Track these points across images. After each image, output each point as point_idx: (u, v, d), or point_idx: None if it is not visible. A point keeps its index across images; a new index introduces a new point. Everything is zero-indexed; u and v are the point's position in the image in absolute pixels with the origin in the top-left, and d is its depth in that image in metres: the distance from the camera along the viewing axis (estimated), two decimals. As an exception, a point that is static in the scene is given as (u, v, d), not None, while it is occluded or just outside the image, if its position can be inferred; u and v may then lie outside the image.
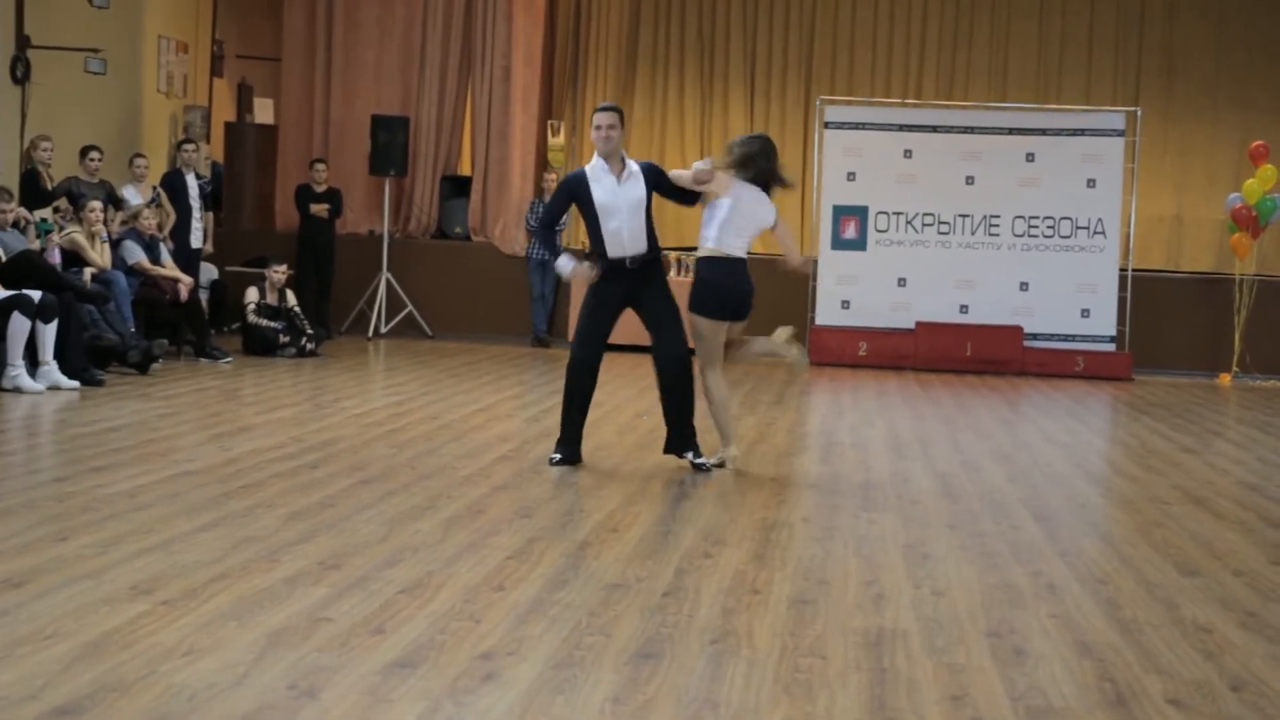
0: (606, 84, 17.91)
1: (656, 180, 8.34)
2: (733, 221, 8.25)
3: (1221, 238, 16.66)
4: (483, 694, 4.09)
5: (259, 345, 13.37)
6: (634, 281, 8.23)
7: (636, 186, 8.18)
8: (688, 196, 8.55)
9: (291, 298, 13.87)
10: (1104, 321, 15.76)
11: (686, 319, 8.30)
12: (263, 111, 17.73)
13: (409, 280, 16.43)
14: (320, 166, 15.90)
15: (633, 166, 8.27)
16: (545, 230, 8.82)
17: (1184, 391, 14.36)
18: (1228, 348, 15.84)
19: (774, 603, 5.25)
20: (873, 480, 8.16)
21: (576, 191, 8.23)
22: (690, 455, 8.18)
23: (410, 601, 5.02)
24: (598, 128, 8.19)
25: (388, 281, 16.22)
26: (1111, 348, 15.70)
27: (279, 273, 13.75)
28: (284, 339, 13.40)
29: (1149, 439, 10.60)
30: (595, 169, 8.21)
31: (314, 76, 17.17)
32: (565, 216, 8.96)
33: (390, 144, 16.22)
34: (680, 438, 8.22)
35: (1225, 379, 15.63)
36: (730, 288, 8.23)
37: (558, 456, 8.13)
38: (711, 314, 8.21)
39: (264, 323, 13.43)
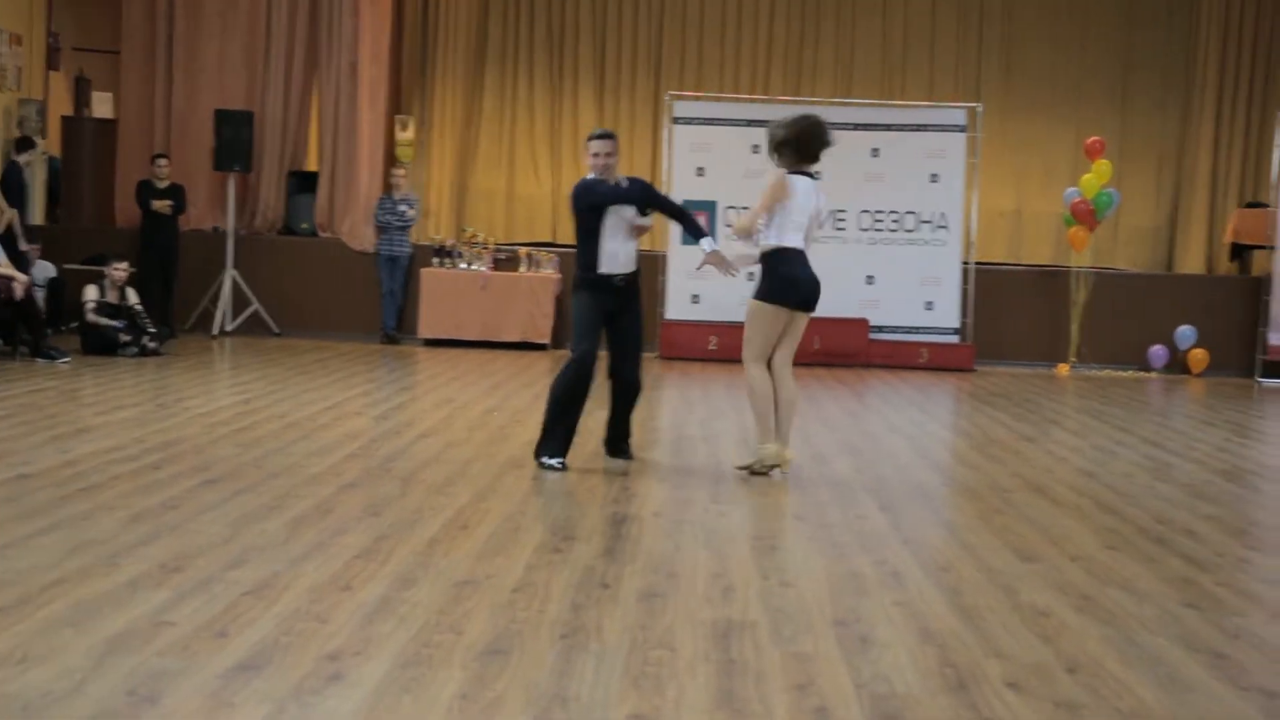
0: (455, 80, 17.81)
1: (646, 197, 8.35)
2: (790, 218, 8.25)
3: (1059, 231, 17.09)
4: (329, 695, 4.05)
5: (99, 344, 13.05)
6: (617, 299, 8.20)
7: (631, 208, 8.20)
8: (678, 215, 8.66)
9: (133, 296, 13.56)
10: (947, 314, 16.07)
11: (748, 310, 8.25)
12: (101, 105, 17.32)
13: (255, 277, 16.17)
14: (162, 162, 15.57)
15: (623, 184, 8.24)
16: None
17: (1024, 381, 14.70)
18: (1066, 338, 16.26)
19: (623, 597, 5.27)
20: (722, 473, 8.22)
21: (600, 200, 8.14)
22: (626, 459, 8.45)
23: (255, 603, 4.94)
24: (595, 155, 8.18)
25: (233, 279, 15.95)
26: (955, 339, 16.02)
27: (120, 270, 13.44)
28: (125, 338, 13.10)
29: (990, 428, 10.84)
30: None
31: (155, 70, 16.78)
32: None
33: (235, 139, 15.94)
34: (621, 442, 8.49)
35: (1063, 369, 16.03)
36: (801, 278, 8.25)
37: (560, 461, 8.04)
38: (779, 300, 8.17)
39: (104, 321, 13.12)
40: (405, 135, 17.12)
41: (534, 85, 17.96)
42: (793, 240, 8.24)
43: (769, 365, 8.23)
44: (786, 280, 8.16)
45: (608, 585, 5.42)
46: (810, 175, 8.34)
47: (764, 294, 8.17)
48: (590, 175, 8.23)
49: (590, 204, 8.14)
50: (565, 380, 8.13)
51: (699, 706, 4.09)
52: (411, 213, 16.20)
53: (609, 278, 8.15)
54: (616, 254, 8.16)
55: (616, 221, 8.13)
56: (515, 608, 5.03)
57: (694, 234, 8.46)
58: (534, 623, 4.85)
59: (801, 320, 8.28)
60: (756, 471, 8.10)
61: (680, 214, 8.68)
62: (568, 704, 4.06)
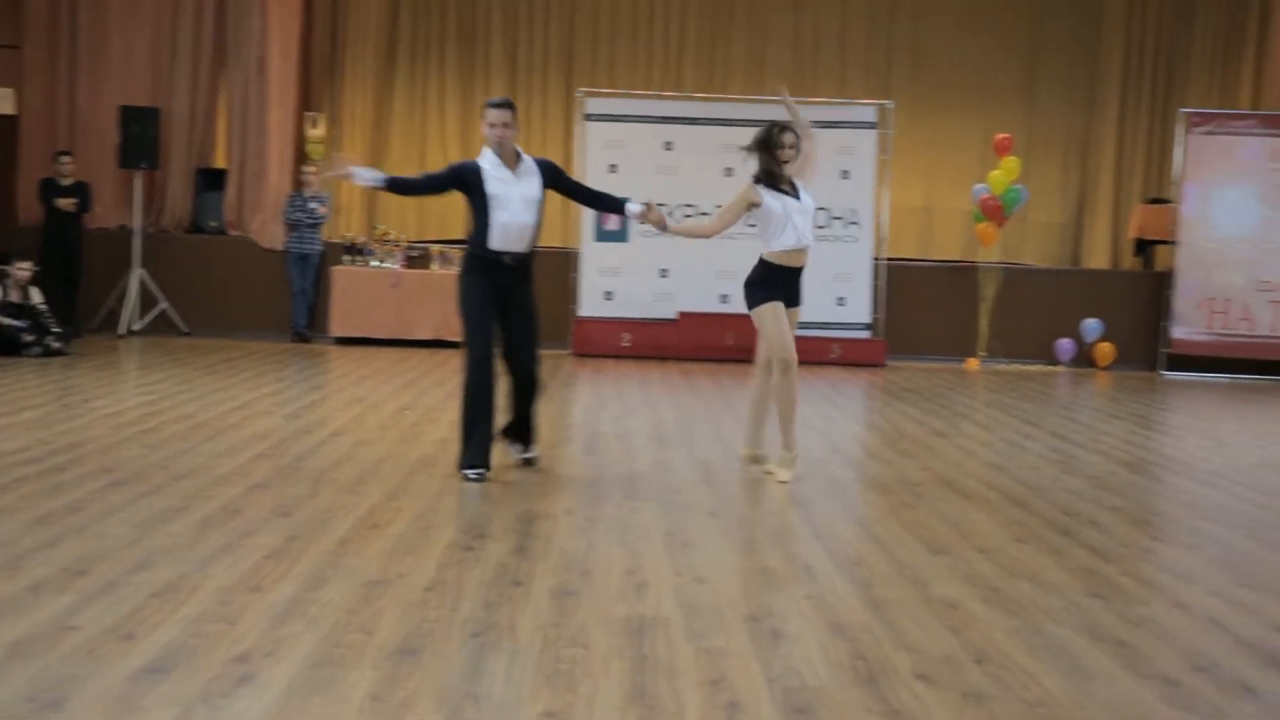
0: (366, 76, 17.71)
1: (554, 178, 8.02)
2: (771, 225, 8.44)
3: (969, 227, 17.27)
4: (238, 697, 4.01)
5: (1, 345, 12.82)
6: (507, 279, 7.81)
7: (533, 183, 7.84)
8: (592, 198, 8.40)
9: (37, 295, 13.34)
10: (859, 309, 16.19)
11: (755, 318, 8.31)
12: (2, 102, 16.99)
13: (163, 276, 15.96)
14: (65, 159, 15.31)
15: (529, 162, 7.90)
16: (412, 182, 8.26)
17: (935, 376, 14.84)
18: (975, 333, 16.43)
19: (536, 594, 5.26)
20: (636, 470, 8.23)
21: (467, 178, 7.76)
22: (521, 451, 8.21)
23: (162, 605, 4.88)
24: (491, 125, 7.73)
25: (140, 277, 15.74)
26: (867, 335, 16.14)
27: (22, 270, 13.22)
28: (29, 338, 12.89)
29: (901, 423, 10.93)
30: (490, 161, 7.79)
31: (58, 66, 16.50)
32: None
33: (140, 136, 15.72)
34: (521, 432, 8.19)
35: (973, 363, 16.21)
36: (780, 274, 8.40)
37: (479, 472, 7.67)
38: (763, 299, 8.34)
39: (7, 321, 12.89)
40: (315, 132, 16.97)
41: (445, 82, 17.90)
42: (781, 245, 8.54)
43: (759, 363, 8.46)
44: (761, 284, 8.60)
45: (520, 583, 5.41)
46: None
47: (749, 302, 8.50)
48: (478, 159, 7.84)
49: (452, 178, 7.86)
50: (467, 385, 7.76)
51: (612, 703, 4.09)
52: (322, 210, 16.06)
53: (499, 255, 7.73)
54: (509, 226, 7.72)
55: (500, 192, 7.72)
56: (427, 607, 5.01)
57: (614, 207, 8.24)
58: (446, 621, 4.83)
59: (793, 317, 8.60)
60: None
61: (592, 196, 8.49)
62: (480, 702, 4.05)
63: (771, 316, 8.20)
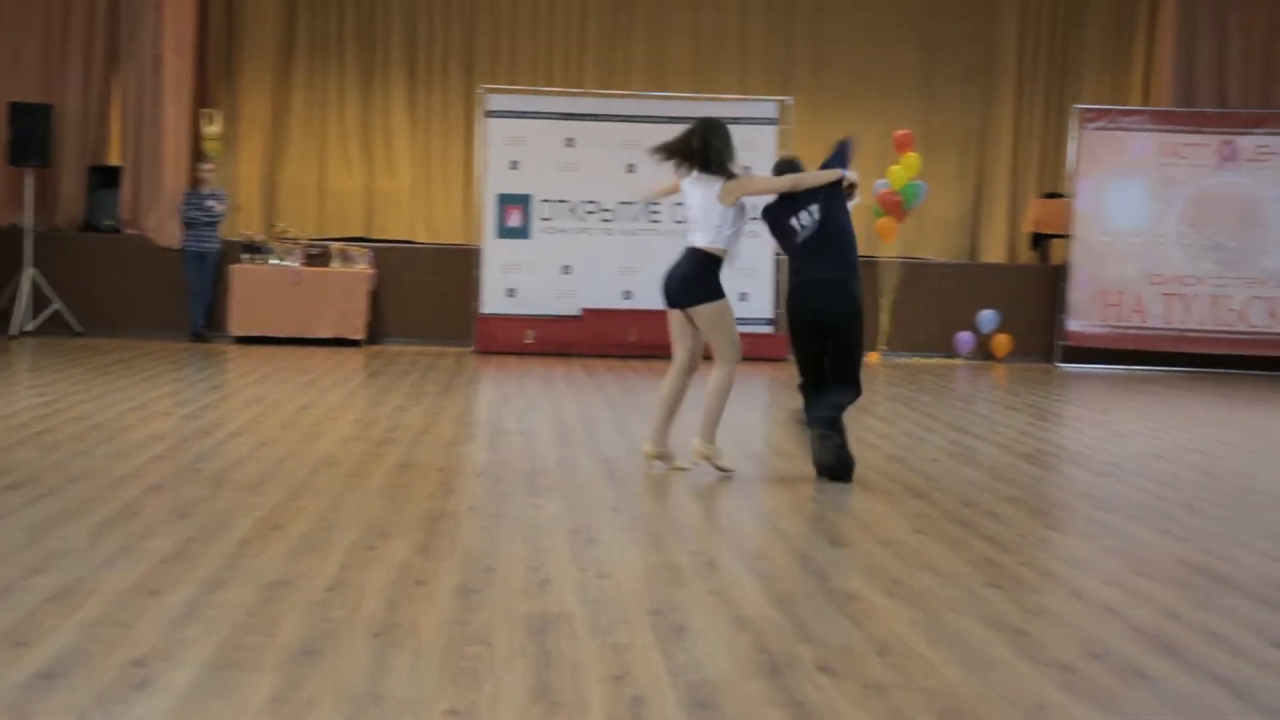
0: (264, 73, 17.51)
1: None
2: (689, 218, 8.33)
3: (869, 222, 17.41)
4: (134, 702, 3.95)
5: (-110, 347, 12.55)
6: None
7: None
8: None
9: (-75, 296, 13.06)
10: (761, 304, 16.28)
11: (722, 310, 8.22)
12: (-112, 98, 16.60)
13: (56, 275, 15.67)
14: (-46, 156, 15.01)
15: None
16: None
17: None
18: (875, 327, 16.58)
19: (440, 593, 5.23)
20: (539, 467, 8.22)
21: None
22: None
23: (56, 610, 4.79)
24: None
25: (32, 277, 15.44)
26: (769, 329, 16.24)
27: (-90, 269, 12.94)
28: (-82, 339, 12.62)
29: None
30: None
31: (-55, 61, 16.17)
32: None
33: (31, 133, 15.44)
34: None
35: (874, 357, 16.35)
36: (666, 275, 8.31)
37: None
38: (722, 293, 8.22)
39: (-105, 323, 12.62)
40: (212, 129, 16.73)
41: (345, 79, 17.73)
42: (693, 239, 8.33)
43: (683, 364, 8.32)
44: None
45: (423, 582, 5.38)
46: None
47: (717, 292, 8.17)
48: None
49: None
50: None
51: (516, 700, 4.08)
52: (220, 208, 15.86)
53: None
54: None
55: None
56: (329, 607, 4.97)
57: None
58: (348, 622, 4.79)
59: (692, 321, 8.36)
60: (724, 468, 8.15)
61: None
62: (382, 702, 4.02)
63: (730, 312, 8.21)
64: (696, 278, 8.11)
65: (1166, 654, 4.75)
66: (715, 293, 8.11)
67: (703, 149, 8.24)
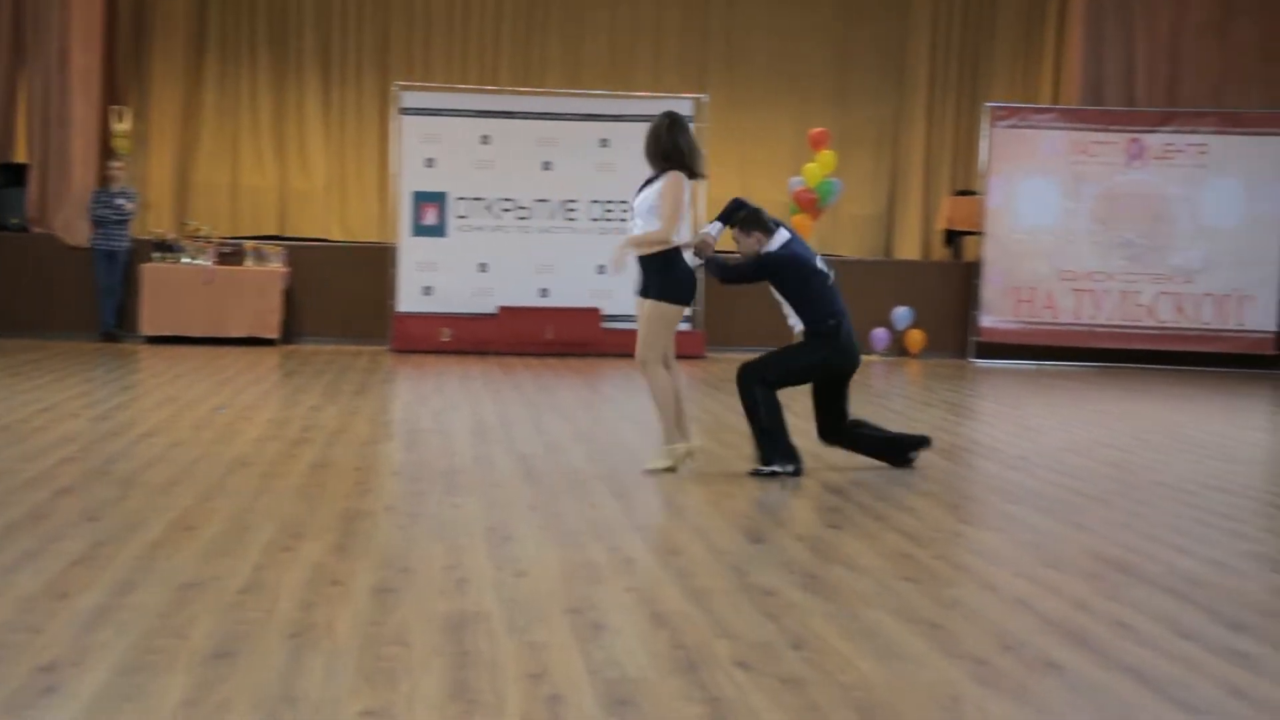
0: (175, 70, 17.32)
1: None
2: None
3: (784, 219, 17.49)
4: (42, 708, 3.89)
5: None
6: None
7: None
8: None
9: None
10: (679, 302, 16.29)
11: (656, 312, 8.20)
12: None
13: (-38, 275, 15.42)
14: None
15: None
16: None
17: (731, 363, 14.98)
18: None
19: (355, 593, 5.20)
20: (456, 465, 8.19)
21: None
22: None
23: (-37, 616, 4.71)
24: None
25: (-62, 276, 15.19)
26: (687, 326, 16.26)
27: None
28: None
29: (721, 414, 11.05)
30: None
31: None
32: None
33: (-65, 129, 15.17)
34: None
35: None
36: (692, 273, 8.34)
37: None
38: (684, 299, 8.32)
39: None
40: (121, 126, 16.52)
41: (257, 75, 17.57)
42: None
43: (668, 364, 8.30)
44: (687, 277, 8.24)
45: (339, 582, 5.35)
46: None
47: (670, 294, 8.13)
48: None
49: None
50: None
51: (432, 700, 4.07)
52: (130, 206, 15.66)
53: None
54: None
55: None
56: (243, 609, 4.92)
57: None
58: (262, 623, 4.75)
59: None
60: (668, 469, 8.11)
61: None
62: (297, 704, 3.99)
63: (672, 322, 8.27)
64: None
65: (1077, 645, 4.81)
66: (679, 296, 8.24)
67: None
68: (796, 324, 8.50)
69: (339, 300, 16.47)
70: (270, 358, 14.37)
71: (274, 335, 15.62)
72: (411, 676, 4.27)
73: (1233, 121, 16.77)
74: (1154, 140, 16.71)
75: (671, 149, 8.15)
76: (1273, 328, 16.70)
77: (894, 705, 4.14)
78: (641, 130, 16.55)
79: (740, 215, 8.47)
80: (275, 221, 17.59)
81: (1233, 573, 6.03)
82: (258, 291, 15.68)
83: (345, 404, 10.85)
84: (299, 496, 7.07)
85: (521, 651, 4.55)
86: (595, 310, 16.00)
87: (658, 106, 16.25)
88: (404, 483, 7.64)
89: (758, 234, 8.43)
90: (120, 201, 15.55)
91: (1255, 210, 16.66)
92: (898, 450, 8.57)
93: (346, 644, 4.56)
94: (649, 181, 8.23)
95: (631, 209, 8.34)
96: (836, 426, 8.50)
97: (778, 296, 8.51)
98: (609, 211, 16.27)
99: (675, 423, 8.20)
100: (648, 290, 8.14)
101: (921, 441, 8.64)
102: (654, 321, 8.14)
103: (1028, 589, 5.62)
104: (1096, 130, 16.79)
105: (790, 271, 8.36)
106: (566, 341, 15.78)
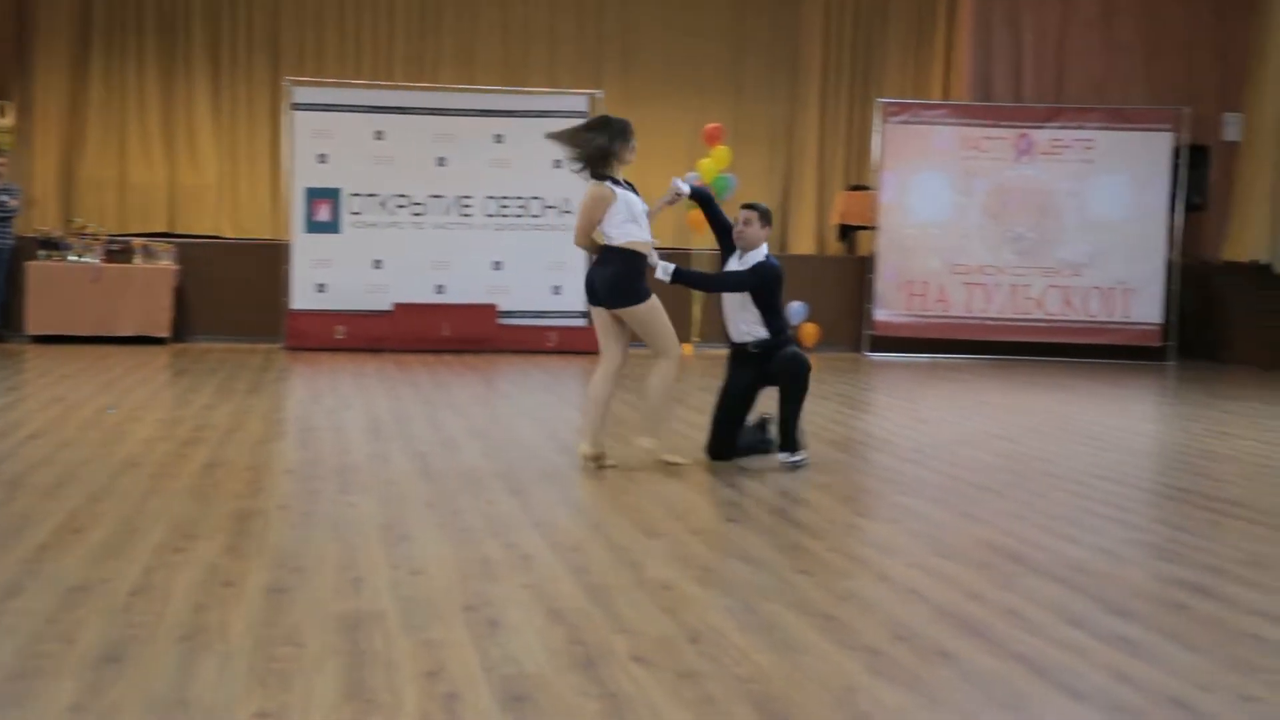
0: (59, 64, 16.98)
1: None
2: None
3: (680, 214, 17.55)
4: (-75, 716, 3.80)
5: None
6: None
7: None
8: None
9: None
10: (575, 297, 16.28)
11: (651, 310, 8.25)
12: None
13: None
14: None
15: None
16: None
17: (650, 363, 15.01)
18: (688, 318, 16.73)
19: (248, 594, 5.14)
20: (351, 463, 8.12)
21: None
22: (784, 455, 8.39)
23: None
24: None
25: None
26: (583, 322, 16.26)
27: None
28: None
29: (616, 409, 11.02)
30: None
31: None
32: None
33: None
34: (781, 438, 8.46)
35: (688, 349, 16.50)
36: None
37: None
38: (648, 293, 8.28)
39: None
40: (4, 121, 16.19)
41: (145, 70, 17.29)
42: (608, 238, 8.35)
43: (611, 362, 8.37)
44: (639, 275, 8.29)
45: (231, 583, 5.28)
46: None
47: (645, 292, 8.22)
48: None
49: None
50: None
51: (327, 701, 4.03)
52: (13, 203, 15.35)
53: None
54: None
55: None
56: (132, 612, 4.84)
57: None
58: (152, 626, 4.67)
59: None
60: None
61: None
62: (189, 707, 3.93)
63: (661, 309, 8.30)
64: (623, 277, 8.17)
65: (968, 634, 4.88)
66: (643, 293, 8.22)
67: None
68: (749, 334, 8.52)
69: (231, 298, 16.27)
70: (160, 357, 14.16)
71: (164, 334, 15.40)
72: (306, 677, 4.22)
73: (1118, 117, 17.09)
74: (1042, 136, 16.97)
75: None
76: (1158, 320, 17.04)
77: (790, 697, 4.17)
78: (536, 125, 16.61)
79: (765, 208, 8.71)
80: (165, 218, 17.32)
81: (1120, 561, 6.15)
82: (147, 290, 15.45)
83: (238, 403, 10.72)
84: (190, 497, 6.98)
85: (418, 650, 4.52)
86: (492, 307, 15.95)
87: (553, 102, 16.40)
88: (298, 481, 7.56)
89: (768, 229, 8.65)
90: (3, 198, 15.23)
91: (1141, 204, 17.00)
92: (763, 442, 8.72)
93: (239, 646, 4.50)
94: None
95: (631, 212, 8.32)
96: (731, 441, 8.53)
97: (739, 306, 8.57)
98: (504, 207, 16.22)
99: (601, 421, 8.32)
100: (615, 299, 8.19)
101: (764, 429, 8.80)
102: (653, 319, 8.29)
103: (921, 580, 5.68)
104: (986, 126, 17.03)
105: (779, 282, 8.51)
106: (463, 338, 15.71)
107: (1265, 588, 5.68)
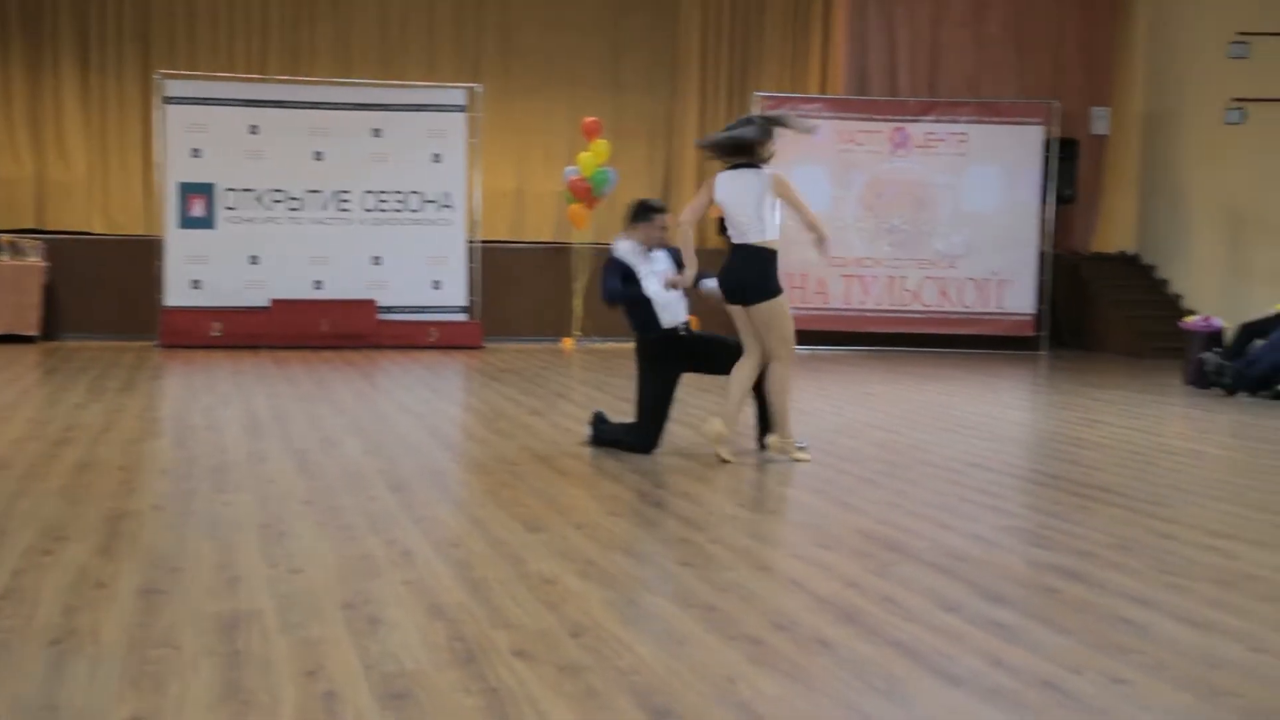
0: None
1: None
2: (726, 215, 8.59)
3: (561, 209, 17.55)
4: None
5: None
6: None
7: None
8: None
9: None
10: (455, 292, 16.25)
11: (777, 308, 8.41)
12: None
13: None
14: None
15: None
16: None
17: (531, 357, 15.03)
18: (570, 313, 16.74)
19: (121, 595, 5.04)
20: (228, 462, 8.01)
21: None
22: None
23: None
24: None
25: None
26: (463, 317, 16.22)
27: None
28: None
29: (499, 404, 11.03)
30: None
31: None
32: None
33: None
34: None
35: (568, 343, 16.51)
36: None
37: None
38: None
39: None
40: None
41: (10, 60, 16.88)
42: (734, 236, 8.54)
43: (756, 358, 8.53)
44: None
45: (104, 585, 5.18)
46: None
47: (778, 288, 8.40)
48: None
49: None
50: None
51: (203, 702, 3.97)
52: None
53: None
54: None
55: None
56: (0, 617, 4.73)
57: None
58: (21, 631, 4.57)
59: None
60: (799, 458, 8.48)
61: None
62: (59, 711, 3.85)
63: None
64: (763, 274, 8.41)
65: (847, 622, 4.94)
66: (773, 290, 8.41)
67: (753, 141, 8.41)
68: (679, 317, 8.91)
69: (103, 295, 15.97)
70: (30, 355, 13.85)
71: (33, 332, 15.08)
72: (181, 678, 4.16)
73: (990, 111, 17.37)
74: (917, 129, 17.20)
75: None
76: (1031, 310, 17.36)
77: (671, 688, 4.19)
78: (414, 119, 16.50)
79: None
80: (33, 214, 16.93)
81: (994, 547, 6.25)
82: (15, 287, 15.11)
83: (110, 401, 10.53)
84: (61, 498, 6.84)
85: (296, 649, 4.47)
86: (371, 302, 15.82)
87: (431, 96, 16.31)
88: (173, 481, 7.44)
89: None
90: None
91: (1013, 197, 17.30)
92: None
93: (112, 648, 4.42)
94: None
95: (741, 211, 8.45)
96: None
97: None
98: (383, 202, 16.10)
99: (737, 411, 8.60)
100: (748, 295, 8.40)
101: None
102: (778, 318, 8.40)
103: (801, 569, 5.73)
104: (862, 120, 17.22)
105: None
106: (342, 334, 15.57)
107: (1133, 571, 5.81)
